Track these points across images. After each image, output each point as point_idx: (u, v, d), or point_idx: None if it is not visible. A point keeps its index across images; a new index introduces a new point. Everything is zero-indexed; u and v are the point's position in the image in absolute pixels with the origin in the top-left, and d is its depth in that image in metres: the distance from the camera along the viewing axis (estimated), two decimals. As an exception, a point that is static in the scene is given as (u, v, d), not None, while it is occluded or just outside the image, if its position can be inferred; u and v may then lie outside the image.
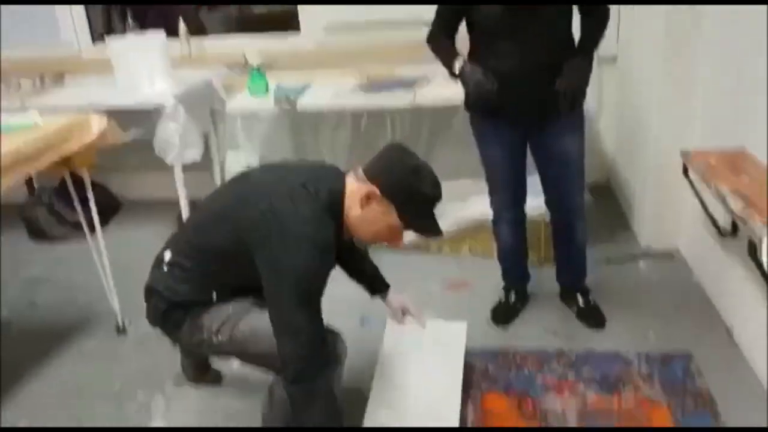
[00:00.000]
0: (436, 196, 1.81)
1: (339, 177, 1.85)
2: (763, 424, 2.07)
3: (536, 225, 2.98)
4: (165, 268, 1.93)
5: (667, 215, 3.12)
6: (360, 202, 1.77)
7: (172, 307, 1.91)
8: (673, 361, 2.38)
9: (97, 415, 2.37)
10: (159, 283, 1.93)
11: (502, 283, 2.83)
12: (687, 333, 2.56)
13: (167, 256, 1.93)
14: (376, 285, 2.28)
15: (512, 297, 2.78)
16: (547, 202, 2.62)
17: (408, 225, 1.80)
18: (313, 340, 1.71)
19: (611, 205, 3.67)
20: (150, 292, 1.96)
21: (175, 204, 3.42)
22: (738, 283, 2.43)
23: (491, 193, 2.64)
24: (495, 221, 2.71)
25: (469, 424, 2.15)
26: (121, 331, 2.86)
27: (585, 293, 2.73)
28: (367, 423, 2.00)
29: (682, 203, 2.99)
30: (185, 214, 3.44)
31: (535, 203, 2.73)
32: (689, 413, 2.12)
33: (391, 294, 2.30)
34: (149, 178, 3.92)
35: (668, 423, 2.09)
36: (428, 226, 1.85)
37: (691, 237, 3.01)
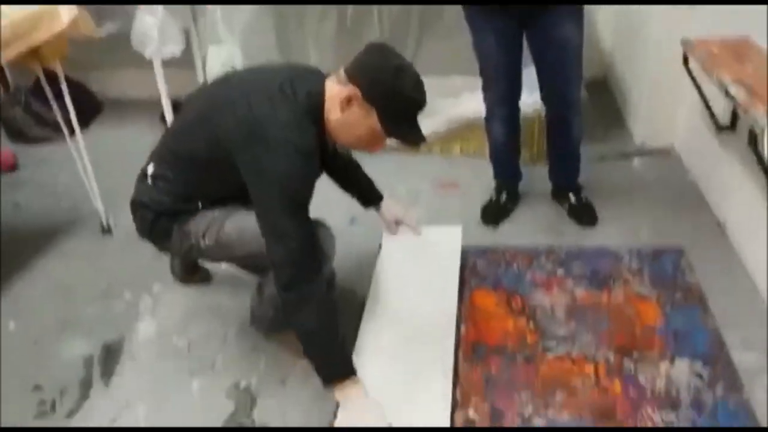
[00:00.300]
0: (418, 100, 1.72)
1: (319, 79, 1.76)
2: (752, 318, 2.07)
3: (530, 121, 2.91)
4: (149, 181, 1.90)
5: (663, 111, 3.04)
6: (340, 104, 1.70)
7: (159, 217, 1.89)
8: (664, 256, 2.36)
9: (83, 315, 2.36)
10: (144, 196, 1.91)
11: (493, 183, 2.78)
12: (679, 229, 2.53)
13: (150, 168, 1.90)
14: (368, 196, 2.24)
15: (503, 196, 2.74)
16: (543, 96, 2.52)
17: (388, 130, 1.72)
18: (303, 245, 1.68)
19: (607, 102, 3.57)
20: (136, 205, 1.94)
21: (158, 103, 3.32)
22: (733, 177, 2.38)
23: (485, 88, 2.54)
24: (488, 118, 2.63)
25: (458, 317, 2.13)
26: (106, 231, 2.81)
27: (577, 191, 2.68)
28: (362, 335, 2.01)
29: (678, 99, 2.92)
30: (168, 113, 3.35)
31: (530, 100, 2.65)
32: (678, 307, 2.12)
33: (385, 204, 2.27)
34: (130, 77, 3.77)
35: (657, 317, 2.08)
36: (409, 132, 1.76)
37: (687, 133, 2.94)
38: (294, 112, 1.67)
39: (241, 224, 1.81)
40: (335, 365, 1.73)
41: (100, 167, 2.82)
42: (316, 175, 1.77)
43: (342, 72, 1.72)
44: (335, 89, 1.72)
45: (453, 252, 2.31)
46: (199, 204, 1.88)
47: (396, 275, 2.23)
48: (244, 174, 1.68)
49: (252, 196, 1.70)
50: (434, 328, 2.01)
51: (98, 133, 3.66)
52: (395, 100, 1.68)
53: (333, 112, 1.72)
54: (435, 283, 2.18)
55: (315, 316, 1.69)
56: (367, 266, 2.34)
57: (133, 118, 3.73)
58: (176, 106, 3.45)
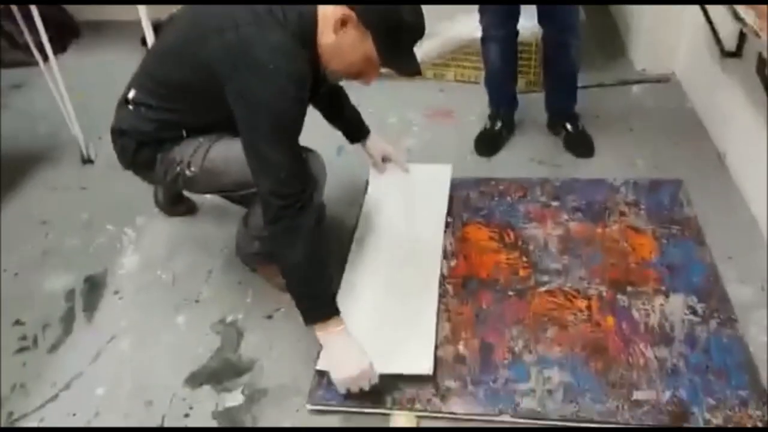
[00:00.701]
0: (416, 26, 1.64)
1: (310, 3, 1.64)
2: (749, 252, 2.03)
3: (527, 46, 2.80)
4: (131, 107, 1.80)
5: (665, 37, 2.91)
6: (334, 26, 1.60)
7: (141, 146, 1.81)
8: (662, 187, 2.29)
9: (65, 248, 2.30)
10: (125, 123, 1.82)
11: (488, 111, 2.68)
12: (678, 160, 2.46)
13: (132, 93, 1.80)
14: (355, 130, 2.17)
15: (498, 125, 2.64)
16: (541, 17, 2.40)
17: (383, 57, 1.63)
18: (293, 175, 1.60)
19: (608, 27, 3.42)
20: (116, 133, 1.85)
21: (139, 25, 3.15)
22: (736, 107, 2.29)
23: (481, 7, 2.42)
24: (484, 39, 2.51)
25: (449, 251, 2.09)
26: (87, 160, 2.72)
27: (574, 120, 2.59)
28: (347, 274, 1.99)
29: (681, 24, 2.80)
30: (149, 36, 3.19)
31: (528, 23, 2.53)
32: (674, 241, 2.07)
33: (371, 140, 2.19)
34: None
35: (652, 251, 2.03)
36: (405, 61, 1.68)
37: (689, 60, 2.83)
38: (284, 35, 1.58)
39: (227, 151, 1.74)
40: (319, 304, 1.66)
41: (79, 93, 2.71)
42: (307, 103, 1.67)
43: None
44: (329, 10, 1.61)
45: (441, 191, 2.26)
46: (184, 132, 1.79)
47: (383, 214, 2.19)
48: (231, 101, 1.60)
49: (239, 124, 1.61)
50: (419, 268, 1.98)
51: (76, 57, 3.53)
52: (392, 24, 1.59)
53: (326, 35, 1.62)
54: (422, 222, 2.14)
55: (302, 251, 1.61)
56: (354, 198, 2.29)
57: (113, 42, 3.58)
58: (157, 29, 3.29)
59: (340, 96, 2.10)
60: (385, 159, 2.24)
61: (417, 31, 1.65)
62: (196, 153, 1.77)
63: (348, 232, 2.18)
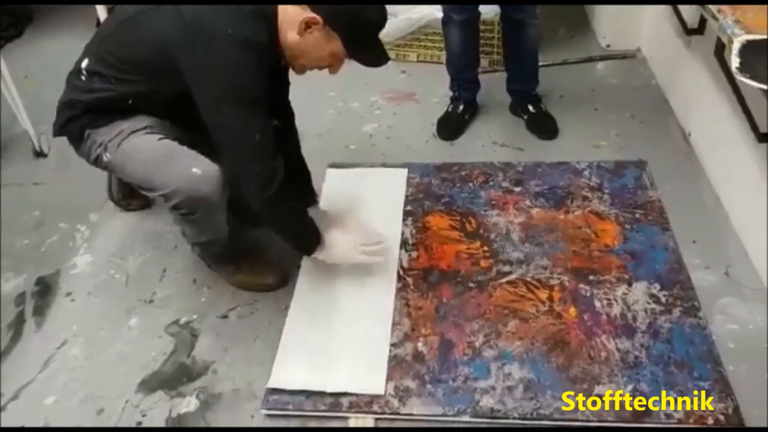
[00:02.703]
0: (380, 22, 1.66)
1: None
2: (714, 236, 2.00)
3: (490, 25, 2.74)
4: (83, 77, 1.72)
5: (630, 12, 2.86)
6: (299, 28, 1.59)
7: (77, 117, 1.75)
8: (626, 169, 2.25)
9: (15, 248, 2.22)
10: (75, 93, 1.75)
11: (450, 93, 2.62)
12: (643, 140, 2.42)
13: (85, 62, 1.73)
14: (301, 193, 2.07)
15: (460, 107, 2.58)
16: (499, -1, 2.34)
17: (352, 55, 1.67)
18: (262, 140, 1.61)
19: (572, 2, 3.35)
20: (64, 104, 1.78)
21: (93, 10, 3.04)
22: (699, 85, 2.24)
23: None
24: (445, 22, 2.44)
25: (410, 242, 2.04)
26: (39, 154, 2.63)
27: (536, 101, 2.54)
28: (300, 282, 1.96)
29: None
30: (103, 19, 3.08)
31: (490, 4, 2.46)
32: (638, 226, 2.03)
33: (320, 214, 2.00)
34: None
35: (615, 237, 2.00)
36: (373, 54, 1.69)
37: (654, 36, 2.78)
38: (241, 10, 1.56)
39: (138, 148, 1.71)
40: (310, 240, 1.83)
41: (32, 82, 2.60)
42: (266, 77, 1.62)
43: None
44: (290, 10, 1.60)
45: (397, 193, 2.23)
46: (129, 102, 1.73)
47: (338, 215, 2.11)
48: (187, 77, 1.56)
49: (199, 101, 1.59)
50: (376, 273, 1.94)
51: (29, 45, 3.40)
52: (359, 25, 1.62)
53: (290, 34, 1.61)
54: (378, 221, 2.09)
55: (286, 212, 1.74)
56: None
57: (67, 28, 3.45)
58: (112, 12, 3.19)
59: (295, 155, 2.02)
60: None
61: (381, 25, 1.67)
62: (112, 140, 1.73)
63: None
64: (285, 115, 1.97)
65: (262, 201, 1.66)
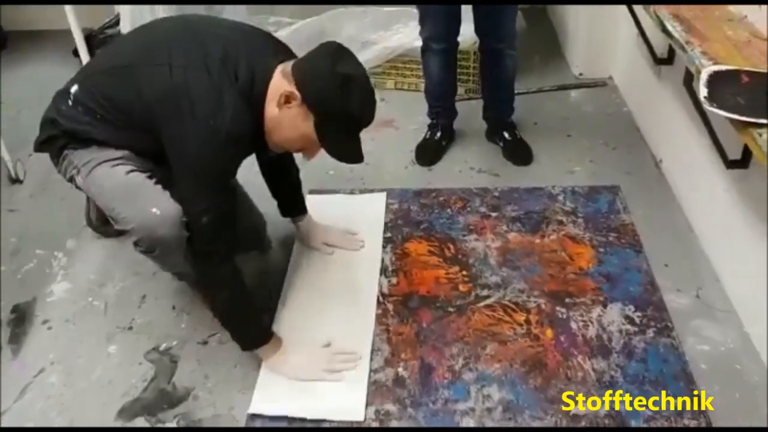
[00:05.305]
0: (362, 119, 1.59)
1: (266, 65, 1.59)
2: (685, 260, 2.05)
3: (466, 54, 2.80)
4: (70, 102, 1.69)
5: (602, 42, 2.95)
6: (278, 100, 1.55)
7: (55, 137, 1.72)
8: (600, 194, 2.31)
9: (-9, 274, 2.20)
10: (60, 115, 1.70)
11: (428, 120, 2.67)
12: (616, 165, 2.49)
13: (74, 89, 1.70)
14: (290, 205, 2.11)
15: (438, 134, 2.63)
16: (477, 28, 2.40)
17: (323, 142, 1.57)
18: (215, 223, 1.59)
19: (546, 32, 3.44)
20: (48, 121, 1.75)
21: (69, 34, 3.03)
22: (670, 113, 2.32)
23: (421, 21, 2.41)
24: (424, 51, 2.50)
25: (390, 268, 2.07)
26: (15, 180, 2.61)
27: (511, 129, 2.60)
28: (283, 303, 1.99)
29: (617, 29, 2.83)
30: (81, 47, 3.08)
31: (468, 33, 2.51)
32: (612, 249, 2.08)
33: (310, 224, 2.13)
34: (38, 6, 3.47)
35: (590, 260, 2.05)
36: (346, 151, 1.62)
37: (625, 65, 2.86)
38: (230, 94, 1.52)
39: (104, 179, 1.67)
40: (250, 336, 1.74)
41: (7, 107, 2.59)
42: (242, 158, 1.66)
43: (289, 66, 1.57)
44: (278, 82, 1.57)
45: (377, 218, 2.27)
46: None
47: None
48: (165, 142, 1.57)
49: (171, 163, 1.59)
50: (356, 303, 1.97)
51: (4, 69, 3.38)
52: (336, 113, 1.53)
53: (271, 106, 1.57)
54: (358, 253, 2.14)
55: (226, 297, 1.67)
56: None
57: (43, 53, 3.46)
58: (89, 39, 3.19)
59: (287, 162, 2.01)
60: (329, 244, 2.16)
61: (363, 122, 1.60)
62: (86, 165, 1.69)
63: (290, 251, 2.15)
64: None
65: (196, 268, 1.69)
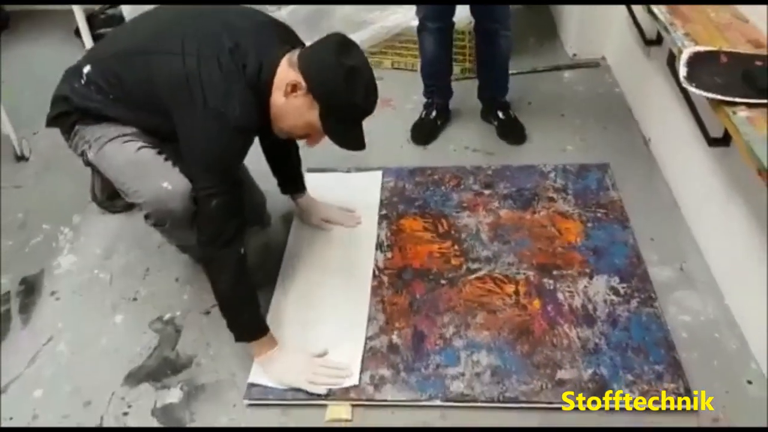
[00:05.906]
0: (366, 109, 1.65)
1: (274, 55, 1.65)
2: (670, 235, 2.13)
3: (461, 34, 2.85)
4: (83, 81, 1.75)
5: (596, 22, 2.99)
6: (285, 89, 1.61)
7: (67, 113, 1.78)
8: (590, 172, 2.38)
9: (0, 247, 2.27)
10: (73, 93, 1.76)
11: (423, 100, 2.73)
12: (606, 144, 2.55)
13: (87, 68, 1.75)
14: (290, 183, 2.18)
15: (433, 113, 2.69)
16: (472, 9, 2.45)
17: (327, 131, 1.64)
18: (223, 207, 1.64)
19: (541, 13, 3.49)
20: (60, 99, 1.80)
21: (71, 14, 3.09)
22: (658, 93, 2.38)
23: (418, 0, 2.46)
24: (420, 30, 2.55)
25: (385, 243, 2.14)
26: (20, 157, 2.68)
27: (506, 108, 2.66)
28: (281, 278, 2.06)
29: (611, 10, 2.87)
30: (83, 27, 3.14)
31: (464, 12, 2.57)
32: (599, 224, 2.15)
33: (308, 201, 2.21)
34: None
35: (578, 235, 2.12)
36: (349, 139, 1.68)
37: (618, 45, 2.92)
38: (239, 85, 1.58)
39: (115, 154, 1.73)
40: (245, 327, 1.75)
41: (9, 87, 2.65)
42: (249, 147, 1.72)
43: (295, 57, 1.62)
44: (284, 71, 1.62)
45: (373, 195, 2.34)
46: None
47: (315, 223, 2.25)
48: (176, 126, 1.62)
49: (181, 149, 1.65)
50: (352, 275, 2.05)
51: (7, 49, 3.44)
52: (341, 103, 1.59)
53: (277, 95, 1.63)
54: (354, 229, 2.22)
55: (227, 281, 1.68)
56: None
57: (45, 33, 3.51)
58: (90, 19, 3.25)
59: (289, 143, 2.05)
60: (327, 221, 2.23)
61: (366, 112, 1.67)
62: (97, 140, 1.75)
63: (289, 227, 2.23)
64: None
65: (202, 254, 1.72)
